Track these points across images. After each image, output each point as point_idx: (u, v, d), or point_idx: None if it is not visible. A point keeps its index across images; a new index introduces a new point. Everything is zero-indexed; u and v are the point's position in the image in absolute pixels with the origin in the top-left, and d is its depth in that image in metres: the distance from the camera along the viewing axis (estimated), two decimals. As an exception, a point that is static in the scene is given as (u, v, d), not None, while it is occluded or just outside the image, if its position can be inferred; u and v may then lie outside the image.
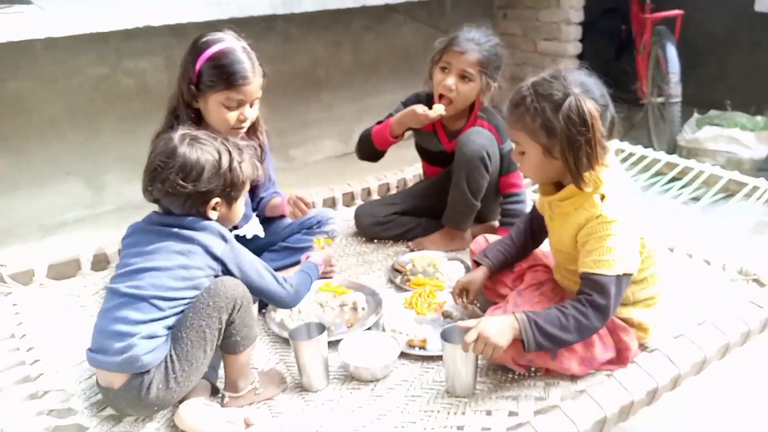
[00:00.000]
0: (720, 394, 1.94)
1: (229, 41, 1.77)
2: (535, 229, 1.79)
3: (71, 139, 3.38)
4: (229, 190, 1.51)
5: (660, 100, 3.84)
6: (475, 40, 2.08)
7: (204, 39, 1.77)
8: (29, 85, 3.23)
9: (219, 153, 1.48)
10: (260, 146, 1.97)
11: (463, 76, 2.09)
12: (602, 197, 1.45)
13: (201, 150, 1.46)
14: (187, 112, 1.80)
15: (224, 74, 1.73)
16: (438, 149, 2.27)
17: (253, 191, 2.05)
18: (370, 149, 2.24)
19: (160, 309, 1.37)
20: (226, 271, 1.49)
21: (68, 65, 3.31)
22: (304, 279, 1.71)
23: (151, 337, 1.35)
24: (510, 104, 1.53)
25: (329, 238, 1.99)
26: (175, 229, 1.45)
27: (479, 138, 2.10)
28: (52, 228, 3.34)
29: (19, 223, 3.31)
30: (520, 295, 1.66)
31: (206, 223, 1.48)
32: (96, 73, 3.41)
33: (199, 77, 1.74)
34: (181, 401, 1.44)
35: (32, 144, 3.28)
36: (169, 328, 1.39)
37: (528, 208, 2.12)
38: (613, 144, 2.52)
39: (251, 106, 1.83)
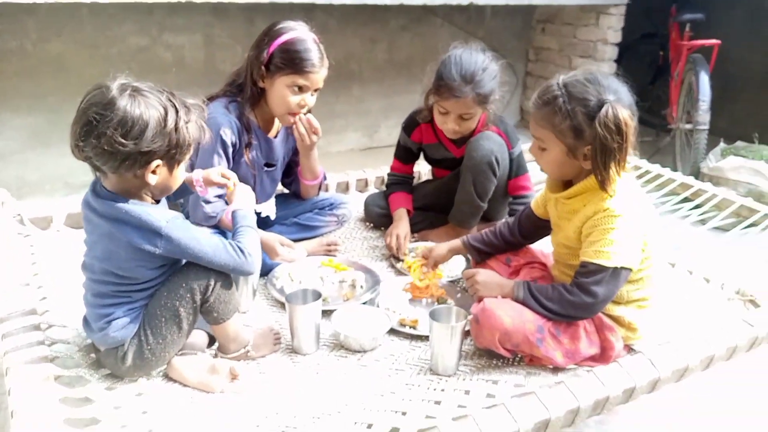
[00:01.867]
0: (706, 413, 1.95)
1: (302, 31, 1.88)
2: (524, 226, 1.82)
3: (106, 104, 3.49)
4: (174, 152, 1.34)
5: (688, 126, 3.84)
6: (467, 78, 1.96)
7: (281, 25, 1.88)
8: (72, 48, 3.35)
9: (165, 109, 1.31)
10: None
11: (464, 117, 2.05)
12: (611, 194, 1.48)
13: (145, 104, 1.28)
14: (252, 88, 1.90)
15: (295, 59, 1.84)
16: (446, 157, 2.29)
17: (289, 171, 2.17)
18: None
19: (118, 296, 1.42)
20: (169, 259, 1.43)
21: (111, 33, 3.44)
22: (249, 236, 1.50)
23: (118, 318, 1.41)
24: (539, 100, 1.53)
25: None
26: (105, 221, 1.35)
27: (489, 143, 2.11)
28: (77, 187, 3.45)
29: (47, 178, 3.44)
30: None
31: (136, 214, 1.34)
32: (136, 43, 3.53)
33: (271, 59, 1.85)
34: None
35: (67, 104, 3.32)
36: (136, 307, 1.43)
37: None
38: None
39: (312, 94, 1.92)
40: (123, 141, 1.26)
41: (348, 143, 4.42)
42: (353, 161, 4.06)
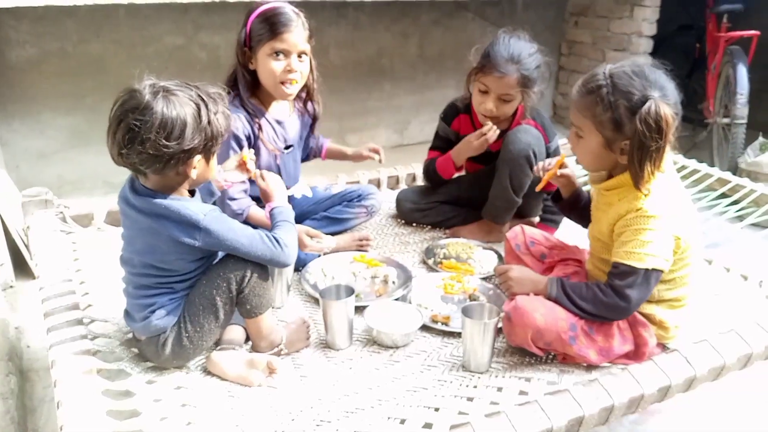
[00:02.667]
0: (746, 411, 1.92)
1: (275, 2, 1.85)
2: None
3: (143, 103, 3.56)
4: (210, 144, 1.39)
5: (726, 120, 3.76)
6: (514, 58, 1.99)
7: (255, 3, 1.87)
8: (110, 48, 3.43)
9: (197, 105, 1.35)
10: (314, 116, 2.10)
11: (503, 99, 2.06)
12: (647, 193, 1.47)
13: (179, 103, 1.32)
14: (245, 74, 1.90)
15: (268, 24, 1.82)
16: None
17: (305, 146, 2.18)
18: (438, 180, 2.32)
19: (162, 286, 1.47)
20: (208, 251, 1.47)
21: (147, 33, 3.50)
22: (286, 229, 1.54)
23: (161, 306, 1.46)
24: (582, 87, 1.52)
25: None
26: (146, 217, 1.39)
27: (526, 136, 2.10)
28: (116, 185, 3.48)
29: (87, 177, 3.53)
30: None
31: (174, 209, 1.38)
32: (172, 42, 3.59)
33: (250, 36, 1.85)
34: (218, 345, 1.56)
35: (107, 103, 3.38)
36: (178, 296, 1.49)
37: None
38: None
39: (299, 59, 1.88)
40: (167, 143, 1.30)
41: (379, 140, 4.42)
42: (385, 158, 4.08)
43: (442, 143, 2.34)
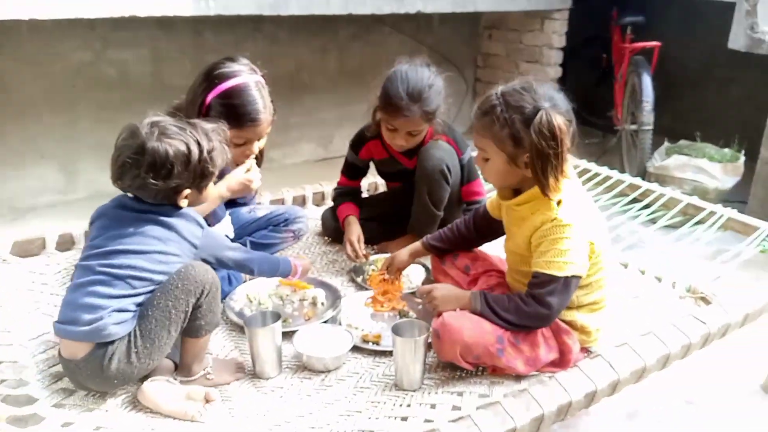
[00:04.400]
0: (667, 411, 2.01)
1: (243, 76, 1.77)
2: (481, 225, 1.86)
3: (49, 123, 3.39)
4: (199, 180, 1.50)
5: (633, 127, 3.95)
6: (414, 96, 1.95)
7: (219, 70, 1.76)
8: (11, 66, 3.24)
9: (188, 146, 1.45)
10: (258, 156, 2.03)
11: (412, 134, 2.06)
12: (558, 202, 1.51)
13: (169, 144, 1.43)
14: None
15: (234, 114, 1.74)
16: (398, 169, 2.29)
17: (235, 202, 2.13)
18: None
19: (132, 287, 1.41)
20: (196, 255, 1.52)
21: (52, 50, 3.33)
22: (271, 259, 1.82)
23: (121, 310, 1.40)
24: (478, 111, 1.57)
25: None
26: (153, 215, 1.47)
27: (438, 152, 2.12)
28: (23, 211, 3.34)
29: (-7, 201, 3.31)
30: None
31: (183, 210, 1.51)
32: (80, 59, 3.43)
33: (208, 110, 1.75)
34: (144, 379, 1.48)
35: (9, 125, 3.29)
36: (139, 305, 1.43)
37: None
38: (572, 159, 2.59)
39: (258, 141, 1.86)
40: (153, 181, 1.42)
41: (303, 154, 4.39)
42: (309, 173, 4.04)
43: (351, 170, 2.35)
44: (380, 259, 2.19)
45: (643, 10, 4.23)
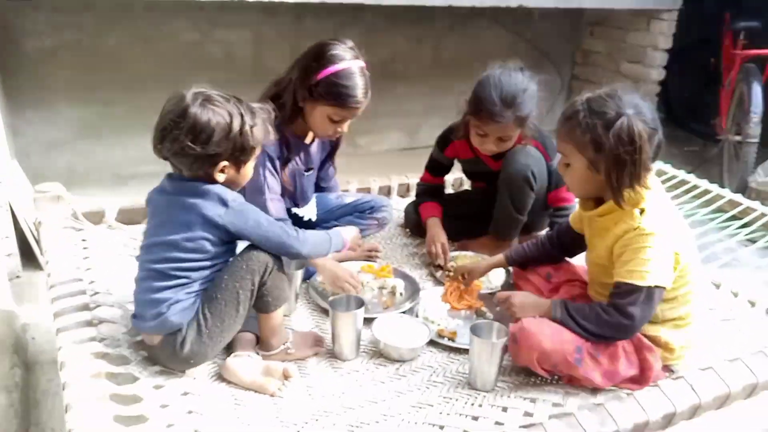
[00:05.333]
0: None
1: (351, 62, 1.86)
2: (565, 239, 1.83)
3: (155, 98, 3.53)
4: (238, 154, 1.49)
5: (737, 138, 3.75)
6: (508, 102, 1.93)
7: (331, 52, 1.85)
8: (125, 42, 3.43)
9: (231, 116, 1.45)
10: (336, 144, 2.17)
11: (503, 139, 2.04)
12: (642, 211, 1.49)
13: (213, 111, 1.43)
14: (293, 107, 1.90)
15: (342, 94, 1.84)
16: (484, 170, 2.27)
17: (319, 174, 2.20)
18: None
19: (177, 278, 1.47)
20: (229, 234, 1.49)
21: (164, 28, 3.51)
22: (320, 235, 1.69)
23: (177, 301, 1.47)
24: (562, 116, 1.57)
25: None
26: (179, 197, 1.48)
27: (524, 158, 2.09)
28: (126, 178, 3.55)
29: (97, 169, 3.54)
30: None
31: (207, 187, 1.47)
32: (188, 38, 3.60)
33: (317, 86, 1.84)
34: (228, 353, 1.57)
35: (119, 97, 3.49)
36: (192, 292, 1.49)
37: None
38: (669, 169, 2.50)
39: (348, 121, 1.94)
40: (192, 145, 1.41)
41: (389, 142, 4.43)
42: (393, 161, 4.09)
43: (435, 167, 2.35)
44: (460, 255, 2.20)
45: (758, 15, 3.98)
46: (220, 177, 1.49)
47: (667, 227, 1.49)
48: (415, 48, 4.28)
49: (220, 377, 1.54)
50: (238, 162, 1.51)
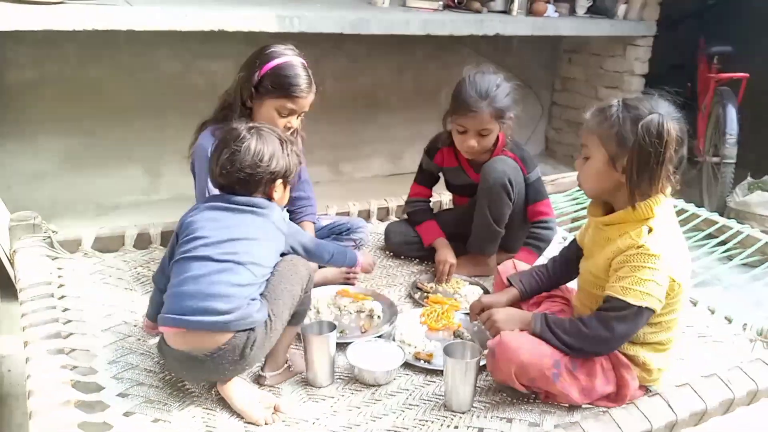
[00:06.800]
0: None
1: (292, 56, 1.96)
2: (571, 262, 1.80)
3: (138, 128, 3.60)
4: (288, 172, 1.67)
5: (715, 159, 3.81)
6: (483, 95, 2.05)
7: (271, 49, 1.96)
8: (108, 74, 3.47)
9: (281, 140, 1.67)
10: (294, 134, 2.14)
11: (482, 134, 2.11)
12: (650, 230, 1.48)
13: (267, 138, 1.64)
14: (242, 109, 1.96)
15: (285, 84, 1.92)
16: (465, 182, 2.31)
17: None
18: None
19: (254, 274, 1.51)
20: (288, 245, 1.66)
21: (146, 59, 3.55)
22: (339, 247, 1.93)
23: (254, 299, 1.49)
24: (595, 109, 1.58)
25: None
26: (250, 207, 1.60)
27: (502, 166, 2.13)
28: (108, 209, 3.55)
29: (78, 200, 3.54)
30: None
31: (272, 202, 1.65)
32: (170, 69, 3.64)
33: (261, 81, 1.93)
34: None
35: (102, 128, 3.52)
36: (261, 293, 1.53)
37: (555, 237, 2.16)
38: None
39: (298, 117, 2.00)
40: (260, 164, 1.60)
41: (373, 169, 4.46)
42: (377, 187, 4.10)
43: (426, 177, 2.39)
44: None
45: (731, 40, 4.07)
46: (276, 195, 1.67)
47: (670, 252, 1.47)
48: (397, 77, 4.35)
49: (192, 404, 1.52)
50: (286, 181, 1.69)
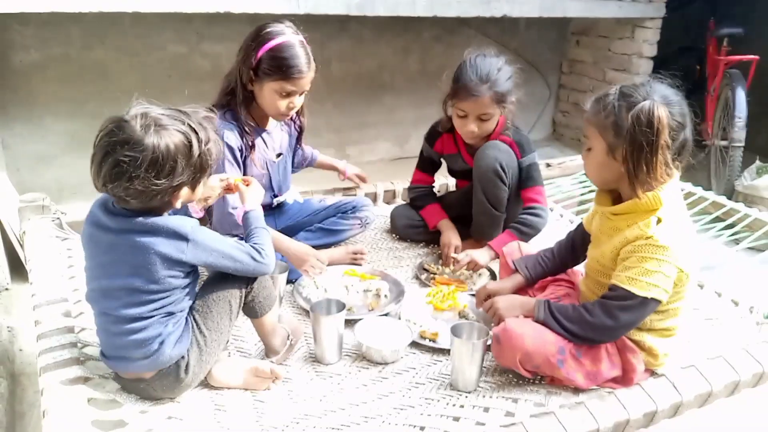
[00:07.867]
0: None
1: (289, 35, 1.89)
2: (577, 247, 1.80)
3: (144, 110, 3.59)
4: (198, 176, 1.37)
5: (723, 143, 3.78)
6: (484, 78, 2.01)
7: (267, 30, 1.90)
8: (113, 55, 3.46)
9: (188, 137, 1.31)
10: (300, 128, 2.18)
11: (482, 119, 2.08)
12: (658, 220, 1.47)
13: (169, 136, 1.28)
14: (243, 92, 1.93)
15: (283, 66, 1.86)
16: (464, 168, 2.30)
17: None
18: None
19: (157, 315, 1.37)
20: (193, 266, 1.41)
21: (151, 41, 3.53)
22: (265, 237, 1.53)
23: (168, 335, 1.38)
24: (593, 98, 1.57)
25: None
26: (127, 236, 1.32)
27: (493, 151, 2.12)
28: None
29: (86, 182, 3.48)
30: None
31: (159, 223, 1.33)
32: (175, 51, 3.62)
33: (259, 64, 1.88)
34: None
35: (107, 109, 3.43)
36: (178, 321, 1.41)
37: (545, 226, 2.15)
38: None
39: (300, 95, 1.96)
40: (156, 181, 1.27)
41: (379, 152, 4.45)
42: (383, 170, 4.10)
43: (428, 164, 2.39)
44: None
45: (742, 22, 4.03)
46: (178, 203, 1.39)
47: (679, 243, 1.46)
48: (402, 58, 4.32)
49: (202, 383, 1.53)
50: (195, 183, 1.38)
